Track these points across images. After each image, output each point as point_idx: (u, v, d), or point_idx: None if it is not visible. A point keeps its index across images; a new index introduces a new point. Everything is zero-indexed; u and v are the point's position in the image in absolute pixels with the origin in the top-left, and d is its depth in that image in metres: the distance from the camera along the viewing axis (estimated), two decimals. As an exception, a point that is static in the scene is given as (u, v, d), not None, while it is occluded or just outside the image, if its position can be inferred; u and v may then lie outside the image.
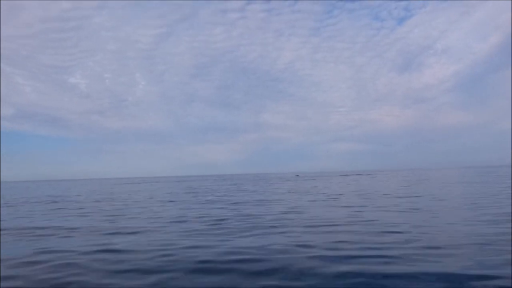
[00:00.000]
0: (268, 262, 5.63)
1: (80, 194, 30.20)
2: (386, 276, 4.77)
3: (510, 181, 27.34)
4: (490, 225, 8.44)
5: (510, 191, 17.69)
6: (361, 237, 7.39)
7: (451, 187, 23.93)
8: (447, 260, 5.47)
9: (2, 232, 9.68)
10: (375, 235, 7.67)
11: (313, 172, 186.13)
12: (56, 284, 4.92)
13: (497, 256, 5.54)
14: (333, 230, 8.40)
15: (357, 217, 10.51)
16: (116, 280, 4.97)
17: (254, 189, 29.85)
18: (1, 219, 12.87)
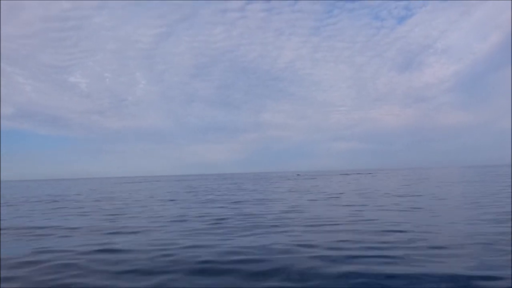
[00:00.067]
0: (270, 262, 5.57)
1: (80, 193, 30.17)
2: (389, 276, 4.72)
3: (510, 180, 27.29)
4: (492, 224, 8.40)
5: (510, 190, 17.64)
6: (363, 237, 7.35)
7: (451, 186, 23.89)
8: (450, 260, 5.42)
9: (1, 231, 9.64)
10: (376, 234, 7.63)
11: (313, 171, 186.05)
12: (55, 286, 4.84)
13: (500, 257, 5.49)
14: (335, 230, 8.36)
15: (358, 216, 10.47)
16: (116, 282, 4.90)
17: (254, 188, 29.81)
18: (1, 218, 12.82)
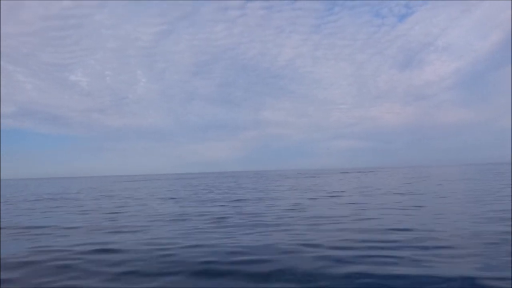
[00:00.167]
0: (273, 263, 5.43)
1: (80, 192, 30.07)
2: (396, 277, 4.60)
3: (511, 178, 27.19)
4: (497, 223, 8.27)
5: (511, 188, 17.54)
6: (366, 236, 7.22)
7: (453, 184, 23.78)
8: (458, 261, 5.29)
9: (1, 230, 9.52)
10: (380, 233, 7.50)
11: (313, 169, 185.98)
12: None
13: (507, 257, 5.36)
14: (338, 228, 8.24)
15: (361, 215, 10.35)
16: (116, 284, 4.75)
17: (255, 186, 29.70)
18: (0, 217, 12.70)
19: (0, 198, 24.34)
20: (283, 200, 16.13)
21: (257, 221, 9.79)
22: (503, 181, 24.23)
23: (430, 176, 40.35)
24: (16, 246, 7.31)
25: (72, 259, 6.02)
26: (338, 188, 24.16)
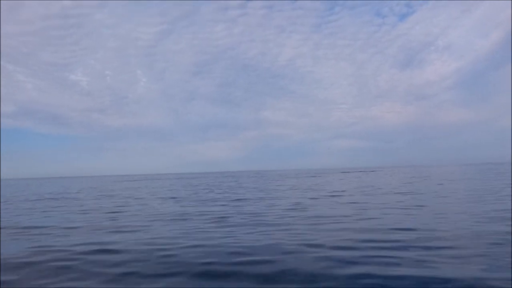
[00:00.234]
0: (276, 263, 5.37)
1: (80, 192, 30.02)
2: (400, 278, 4.53)
3: (511, 178, 27.14)
4: (500, 223, 8.21)
5: (511, 188, 17.48)
6: (369, 235, 7.16)
7: (454, 184, 23.71)
8: (461, 261, 5.22)
9: (1, 230, 9.47)
10: (383, 233, 7.43)
11: (314, 169, 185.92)
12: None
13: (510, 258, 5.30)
14: (340, 228, 8.18)
15: (362, 215, 10.30)
16: (116, 286, 4.69)
17: (255, 186, 29.65)
18: (0, 217, 12.65)
19: (0, 198, 24.29)
20: (284, 199, 16.07)
21: (258, 220, 9.73)
22: (503, 181, 24.16)
23: (431, 175, 40.28)
24: (16, 246, 7.25)
25: (72, 259, 5.95)
26: (339, 187, 24.10)
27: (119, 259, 5.88)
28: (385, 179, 34.48)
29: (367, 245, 6.32)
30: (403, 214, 10.24)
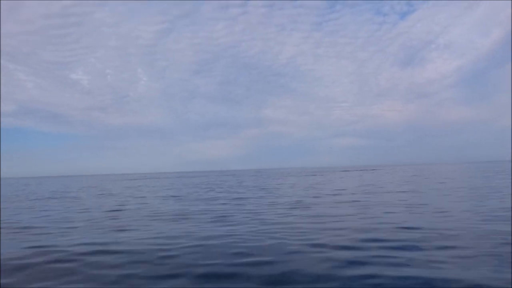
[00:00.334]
0: (280, 264, 5.25)
1: (81, 190, 29.96)
2: (407, 278, 4.43)
3: (511, 176, 27.05)
4: (504, 222, 8.10)
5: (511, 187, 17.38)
6: (373, 235, 7.04)
7: (455, 182, 23.62)
8: (468, 261, 5.11)
9: (1, 230, 9.39)
10: (387, 232, 7.31)
11: (315, 168, 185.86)
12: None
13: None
14: (343, 227, 8.06)
15: (365, 213, 10.20)
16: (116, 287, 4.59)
17: (256, 184, 29.57)
18: (0, 217, 12.56)
19: (0, 197, 24.23)
20: (285, 198, 15.98)
21: (260, 219, 9.64)
22: (505, 179, 24.07)
23: (432, 173, 40.19)
24: (16, 246, 7.15)
25: (72, 260, 5.83)
26: (341, 186, 24.01)
27: (119, 260, 5.77)
28: (386, 178, 34.39)
29: (372, 245, 6.21)
30: (406, 213, 10.15)
